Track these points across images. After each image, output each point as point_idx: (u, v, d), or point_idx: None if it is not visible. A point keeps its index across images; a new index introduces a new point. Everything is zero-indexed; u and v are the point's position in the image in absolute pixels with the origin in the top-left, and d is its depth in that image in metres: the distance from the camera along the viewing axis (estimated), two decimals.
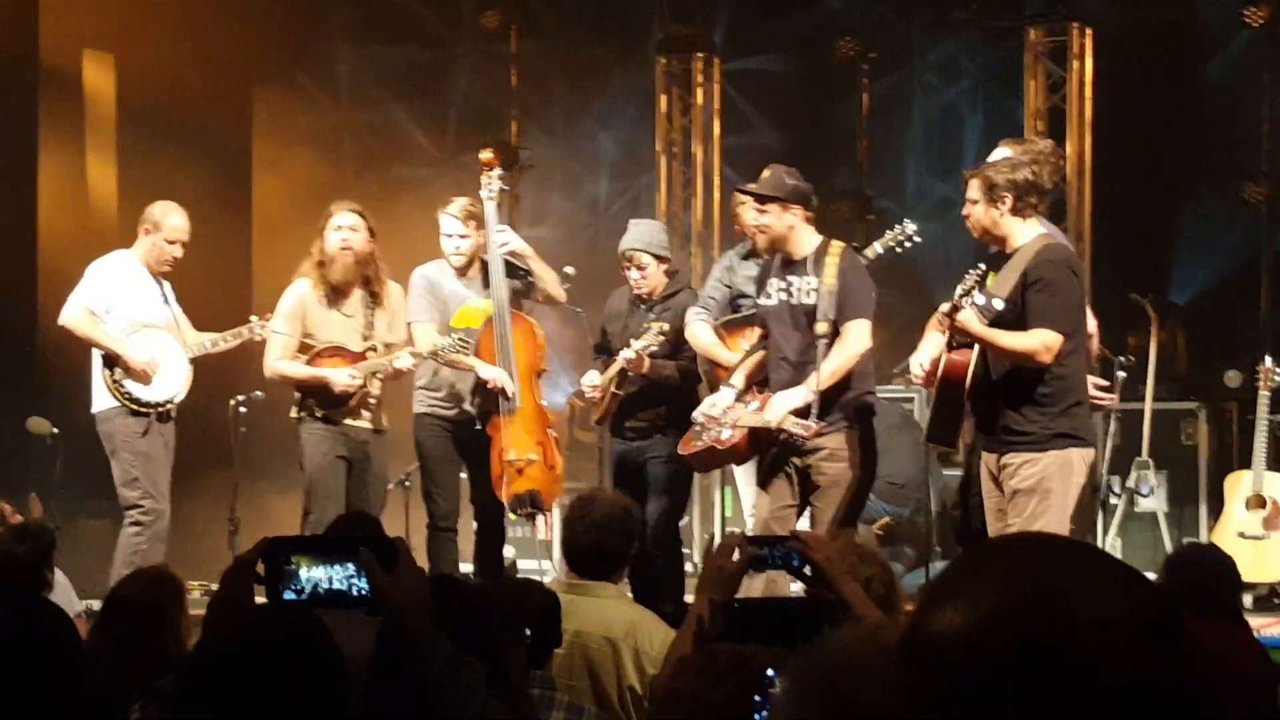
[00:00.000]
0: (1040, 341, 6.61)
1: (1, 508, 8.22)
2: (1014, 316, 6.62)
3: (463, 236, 8.90)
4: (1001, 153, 7.63)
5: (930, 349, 7.08)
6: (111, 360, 8.76)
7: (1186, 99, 13.41)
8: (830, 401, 7.46)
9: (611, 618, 5.12)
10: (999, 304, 6.53)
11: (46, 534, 6.38)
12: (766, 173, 7.74)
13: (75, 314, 8.80)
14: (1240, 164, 12.89)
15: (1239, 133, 12.96)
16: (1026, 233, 6.78)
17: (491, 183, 9.01)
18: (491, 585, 5.19)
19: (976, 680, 1.45)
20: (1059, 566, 1.51)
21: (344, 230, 8.75)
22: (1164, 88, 13.31)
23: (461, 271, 8.99)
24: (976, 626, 1.47)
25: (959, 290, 6.53)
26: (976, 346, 6.76)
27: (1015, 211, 6.76)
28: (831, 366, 7.40)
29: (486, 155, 9.27)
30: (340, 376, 8.68)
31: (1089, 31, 13.06)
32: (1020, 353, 6.63)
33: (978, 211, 6.80)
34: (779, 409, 7.44)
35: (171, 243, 8.92)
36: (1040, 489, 6.68)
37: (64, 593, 7.25)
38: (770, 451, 7.64)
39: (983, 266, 6.66)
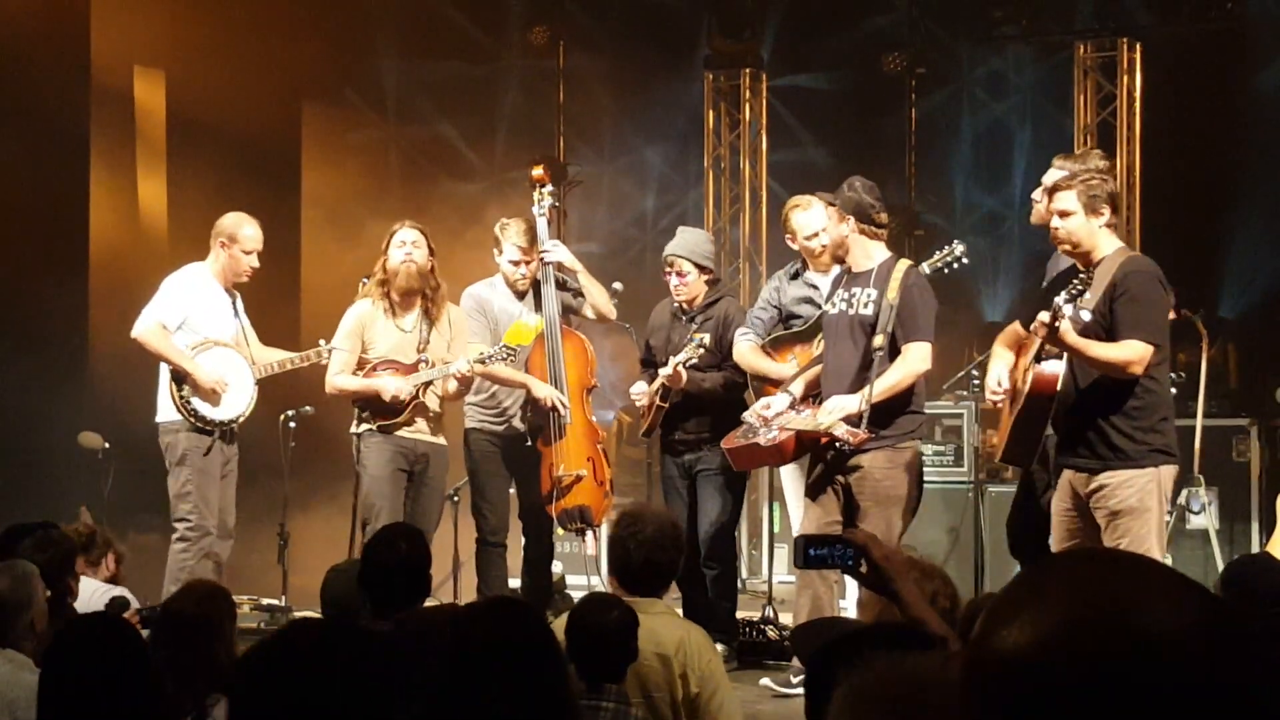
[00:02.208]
0: (1133, 352, 6.57)
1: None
2: (1101, 328, 6.59)
3: (528, 262, 8.99)
4: (1056, 171, 7.58)
5: (1003, 367, 7.03)
6: (180, 376, 8.80)
7: (1236, 113, 13.34)
8: (881, 418, 7.45)
9: (662, 634, 5.12)
10: (1086, 315, 6.49)
11: (67, 542, 6.33)
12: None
13: (148, 328, 8.83)
14: None
15: None
16: (1110, 245, 6.76)
17: (543, 199, 9.10)
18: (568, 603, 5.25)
19: (1041, 698, 1.45)
20: (1121, 582, 1.50)
21: (407, 245, 8.85)
22: (1213, 101, 13.24)
23: (521, 293, 9.06)
24: (1040, 644, 1.46)
25: (1060, 299, 6.46)
26: (1065, 361, 6.72)
27: (1109, 224, 6.77)
28: (888, 382, 7.38)
29: (538, 172, 9.35)
30: (389, 383, 8.76)
31: (1138, 46, 13.02)
32: (1113, 363, 6.58)
33: (1074, 223, 6.71)
34: (833, 412, 7.44)
35: (248, 253, 9.00)
36: (1141, 508, 6.64)
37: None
38: (818, 465, 7.64)
39: (1083, 276, 6.58)
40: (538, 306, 9.03)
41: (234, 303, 9.09)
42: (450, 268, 9.44)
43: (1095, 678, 1.43)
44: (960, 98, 14.64)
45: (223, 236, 8.99)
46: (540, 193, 9.14)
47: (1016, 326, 7.16)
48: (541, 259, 9.00)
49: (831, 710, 2.20)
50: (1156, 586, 1.49)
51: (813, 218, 8.66)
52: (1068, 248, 6.82)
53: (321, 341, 9.15)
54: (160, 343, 8.80)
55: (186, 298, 8.89)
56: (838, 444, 7.40)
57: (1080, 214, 6.72)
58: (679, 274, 8.86)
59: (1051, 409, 6.78)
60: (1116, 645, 1.44)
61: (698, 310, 8.88)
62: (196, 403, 8.80)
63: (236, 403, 8.92)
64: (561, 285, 9.05)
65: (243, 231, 9.00)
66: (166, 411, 8.90)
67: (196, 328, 8.89)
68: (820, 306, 8.25)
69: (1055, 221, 6.80)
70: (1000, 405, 7.02)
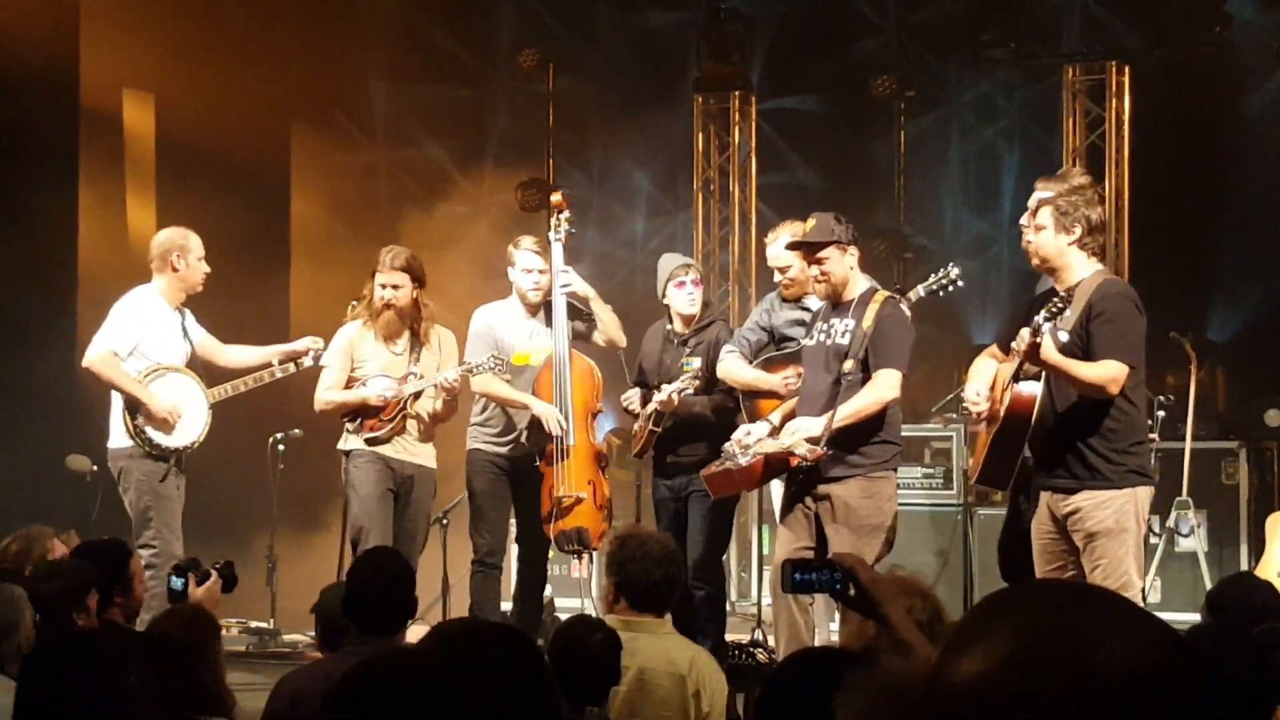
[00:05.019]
0: (1110, 372, 6.54)
1: (47, 545, 6.86)
2: (1078, 348, 6.57)
3: (541, 271, 9.01)
4: (1040, 193, 7.57)
5: (983, 381, 7.01)
6: (133, 405, 8.75)
7: (1224, 136, 13.36)
8: (855, 446, 7.45)
9: (674, 654, 5.13)
10: (1064, 335, 6.49)
11: (84, 571, 5.75)
12: (811, 221, 7.72)
13: (100, 356, 8.76)
14: (1279, 201, 12.84)
15: (1277, 169, 12.91)
16: (1087, 268, 6.73)
17: (560, 225, 9.12)
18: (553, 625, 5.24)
19: None
20: (1076, 614, 1.48)
21: (388, 289, 8.81)
22: (1202, 125, 13.27)
23: (534, 308, 9.06)
24: (992, 675, 1.44)
25: (1041, 317, 6.45)
26: (1042, 382, 6.70)
27: (1081, 245, 6.71)
28: (854, 407, 7.38)
29: (557, 198, 9.43)
30: (375, 386, 8.76)
31: (1126, 69, 13.05)
32: (1092, 383, 6.54)
33: (1043, 238, 6.70)
34: (795, 431, 7.45)
35: (200, 259, 8.97)
36: (1118, 529, 6.58)
37: None
38: (790, 489, 7.64)
39: (1064, 292, 6.57)
40: (549, 325, 9.04)
41: (183, 321, 9.04)
42: (434, 287, 9.42)
43: (1044, 711, 1.41)
44: (949, 121, 14.66)
45: (173, 252, 8.92)
46: (558, 219, 9.18)
47: (994, 350, 7.14)
48: (552, 284, 9.02)
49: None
50: (1110, 619, 1.46)
51: (774, 250, 8.66)
52: (1038, 262, 6.81)
53: (274, 361, 9.11)
54: (113, 372, 8.75)
55: (138, 323, 8.84)
56: (801, 461, 7.40)
57: (1050, 229, 6.70)
58: (694, 282, 8.88)
59: (1029, 430, 6.76)
60: (1066, 678, 1.41)
61: (690, 333, 8.89)
62: (150, 431, 8.76)
63: (190, 429, 8.88)
64: (572, 312, 9.06)
65: (191, 240, 8.97)
66: (118, 438, 8.87)
67: (147, 353, 8.85)
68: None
69: (1028, 235, 6.81)
70: (981, 414, 6.98)
